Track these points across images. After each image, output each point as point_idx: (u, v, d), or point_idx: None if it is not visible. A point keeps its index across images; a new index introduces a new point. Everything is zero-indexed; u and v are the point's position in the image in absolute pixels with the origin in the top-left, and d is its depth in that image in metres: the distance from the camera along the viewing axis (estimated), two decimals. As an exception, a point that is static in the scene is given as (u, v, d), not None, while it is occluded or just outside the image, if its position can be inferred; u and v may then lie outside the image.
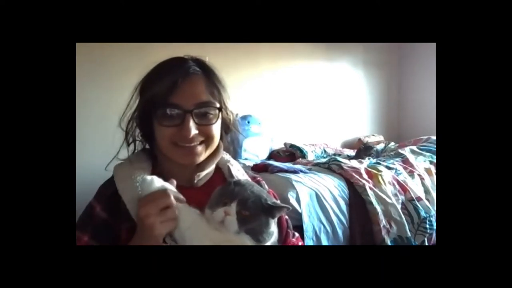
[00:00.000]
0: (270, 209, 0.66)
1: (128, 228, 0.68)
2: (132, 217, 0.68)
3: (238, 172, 0.82)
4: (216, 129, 0.75)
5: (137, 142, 0.80)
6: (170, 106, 0.70)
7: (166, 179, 0.72)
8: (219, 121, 0.76)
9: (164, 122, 0.71)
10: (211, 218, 0.65)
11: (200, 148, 0.74)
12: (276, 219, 0.70)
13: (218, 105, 0.74)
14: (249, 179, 0.82)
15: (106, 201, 0.72)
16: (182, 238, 0.65)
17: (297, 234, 0.88)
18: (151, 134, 0.76)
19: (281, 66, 3.16)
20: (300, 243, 0.87)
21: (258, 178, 0.88)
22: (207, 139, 0.75)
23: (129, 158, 0.78)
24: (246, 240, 0.64)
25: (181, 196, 0.68)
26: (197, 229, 0.65)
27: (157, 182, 0.68)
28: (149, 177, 0.69)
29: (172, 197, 0.65)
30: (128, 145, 0.79)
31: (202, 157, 0.75)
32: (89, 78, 2.16)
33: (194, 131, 0.71)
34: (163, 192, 0.65)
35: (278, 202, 0.71)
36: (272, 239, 0.67)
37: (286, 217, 0.87)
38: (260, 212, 0.65)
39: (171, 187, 0.68)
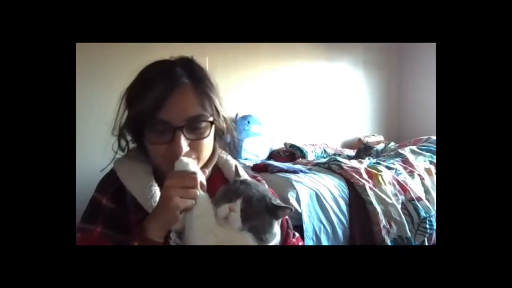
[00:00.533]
0: (274, 209, 0.67)
1: (140, 219, 0.67)
2: (143, 208, 0.68)
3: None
4: (208, 142, 0.73)
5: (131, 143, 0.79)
6: (159, 123, 0.67)
7: (163, 180, 0.72)
8: (212, 132, 0.73)
9: (154, 139, 0.69)
10: (216, 214, 0.65)
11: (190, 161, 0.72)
12: (279, 220, 0.70)
13: (210, 118, 0.71)
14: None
15: (112, 193, 0.72)
16: (189, 226, 0.65)
17: (297, 235, 0.88)
18: (144, 145, 0.74)
19: (281, 66, 3.16)
20: (300, 243, 0.87)
21: (259, 178, 0.87)
22: (199, 154, 0.72)
23: (129, 155, 0.77)
24: (249, 238, 0.64)
25: (205, 185, 0.68)
26: (206, 220, 0.65)
27: (192, 166, 0.67)
28: (185, 159, 0.67)
29: (198, 181, 0.65)
30: (123, 150, 0.77)
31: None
32: (89, 78, 2.16)
33: (185, 148, 0.68)
34: (193, 173, 0.65)
35: (281, 203, 0.71)
36: (274, 241, 0.68)
37: (287, 217, 0.87)
38: (264, 212, 0.66)
39: (201, 175, 0.68)
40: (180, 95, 0.68)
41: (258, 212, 0.65)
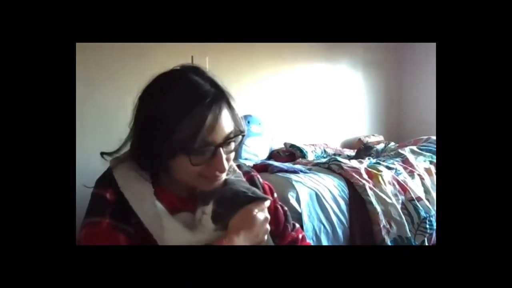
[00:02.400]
0: (248, 203, 0.66)
1: (134, 224, 0.67)
2: (137, 215, 0.66)
3: (230, 168, 0.80)
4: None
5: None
6: (204, 145, 0.66)
7: (166, 190, 0.72)
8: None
9: (195, 160, 0.67)
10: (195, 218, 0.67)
11: (224, 174, 0.72)
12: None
13: (241, 132, 0.72)
14: (242, 175, 0.82)
15: (113, 190, 0.70)
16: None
17: (297, 226, 0.87)
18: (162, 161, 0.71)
19: (281, 66, 3.16)
20: (300, 235, 0.86)
21: (252, 173, 0.86)
22: (230, 166, 0.74)
23: (127, 164, 0.73)
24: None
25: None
26: (172, 234, 0.66)
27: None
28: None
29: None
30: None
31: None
32: (89, 78, 2.16)
33: (226, 164, 0.69)
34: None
35: (259, 193, 0.70)
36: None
37: (286, 208, 0.87)
38: (238, 208, 0.66)
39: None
40: (219, 115, 0.68)
41: (230, 210, 0.65)
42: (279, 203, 0.86)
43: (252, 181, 0.84)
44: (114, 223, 0.65)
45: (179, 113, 0.65)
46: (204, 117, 0.65)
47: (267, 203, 0.71)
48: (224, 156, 0.69)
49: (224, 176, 0.72)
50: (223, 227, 0.65)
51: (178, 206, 0.72)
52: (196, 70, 0.72)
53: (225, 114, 0.69)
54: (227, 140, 0.69)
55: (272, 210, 0.82)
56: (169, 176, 0.72)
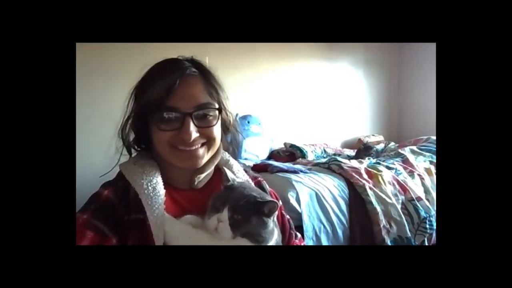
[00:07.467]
0: (259, 207, 0.66)
1: (136, 220, 0.67)
2: (143, 209, 0.67)
3: (238, 173, 0.81)
4: (217, 130, 0.74)
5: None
6: (168, 110, 0.68)
7: (165, 181, 0.72)
8: (219, 122, 0.75)
9: (163, 126, 0.69)
10: (207, 226, 0.65)
11: (201, 151, 0.72)
12: (274, 217, 0.69)
13: (217, 106, 0.73)
14: (250, 179, 0.82)
15: (115, 187, 0.71)
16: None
17: (299, 235, 0.88)
18: (148, 139, 0.74)
19: (281, 66, 3.16)
20: (302, 244, 0.87)
21: (259, 179, 0.87)
22: (208, 141, 0.73)
23: (134, 158, 0.77)
24: (245, 243, 0.64)
25: None
26: (187, 238, 0.65)
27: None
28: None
29: None
30: (130, 153, 0.78)
31: (204, 160, 0.74)
32: (88, 78, 2.16)
33: (195, 134, 0.69)
34: None
35: (268, 197, 0.70)
36: (273, 238, 0.67)
37: (288, 217, 0.87)
38: (253, 213, 0.65)
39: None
40: (188, 84, 0.70)
41: (246, 215, 0.64)
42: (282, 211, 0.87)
43: (260, 186, 0.84)
44: (88, 220, 0.65)
45: (150, 80, 0.70)
46: (168, 80, 0.68)
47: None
48: (192, 126, 0.69)
49: (203, 156, 0.72)
50: (241, 234, 0.63)
51: (184, 205, 0.73)
52: (190, 59, 0.76)
53: (193, 84, 0.70)
54: (196, 110, 0.70)
55: (279, 217, 0.82)
56: (164, 162, 0.74)
